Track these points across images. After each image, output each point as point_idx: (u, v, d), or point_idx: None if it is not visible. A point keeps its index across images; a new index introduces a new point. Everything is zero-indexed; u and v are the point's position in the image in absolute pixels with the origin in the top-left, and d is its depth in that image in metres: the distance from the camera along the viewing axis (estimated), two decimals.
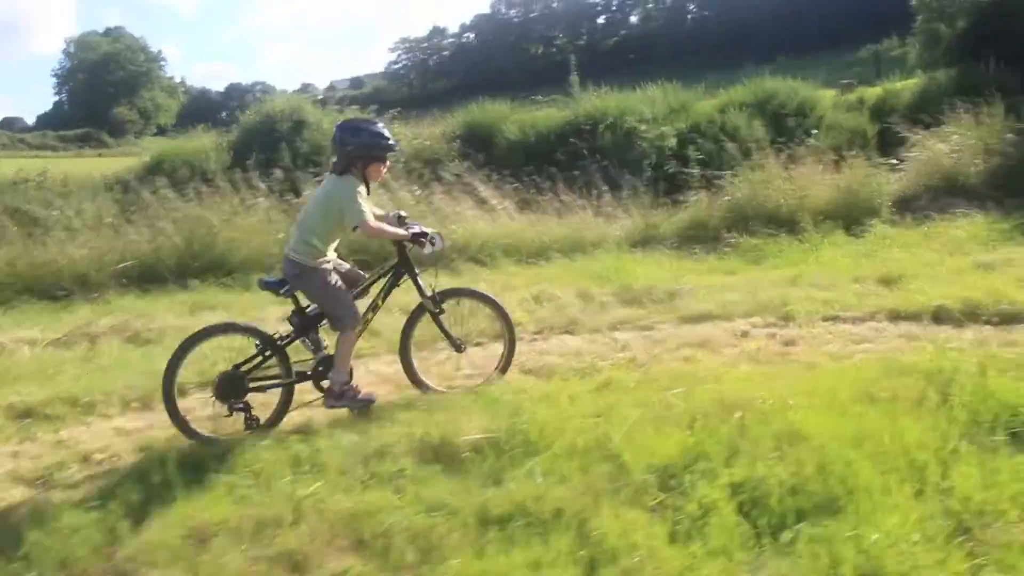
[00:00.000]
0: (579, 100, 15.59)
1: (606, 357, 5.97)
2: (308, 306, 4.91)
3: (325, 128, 14.56)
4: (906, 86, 16.35)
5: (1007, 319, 6.21)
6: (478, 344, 5.85)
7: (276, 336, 4.86)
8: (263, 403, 4.82)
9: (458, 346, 5.25)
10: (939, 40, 20.46)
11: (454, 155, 14.15)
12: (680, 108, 15.31)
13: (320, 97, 19.70)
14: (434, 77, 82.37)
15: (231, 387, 4.71)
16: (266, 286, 4.95)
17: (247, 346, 4.85)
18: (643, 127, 14.57)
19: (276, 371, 4.83)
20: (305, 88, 71.71)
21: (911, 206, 10.09)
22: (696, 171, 10.56)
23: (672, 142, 14.24)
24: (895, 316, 6.48)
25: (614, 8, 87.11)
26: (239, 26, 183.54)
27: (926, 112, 12.70)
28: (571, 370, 5.64)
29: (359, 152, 4.79)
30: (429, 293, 5.10)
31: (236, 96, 74.58)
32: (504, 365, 5.31)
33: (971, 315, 6.32)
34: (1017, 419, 4.25)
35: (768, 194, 9.67)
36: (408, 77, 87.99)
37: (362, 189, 4.77)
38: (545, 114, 16.01)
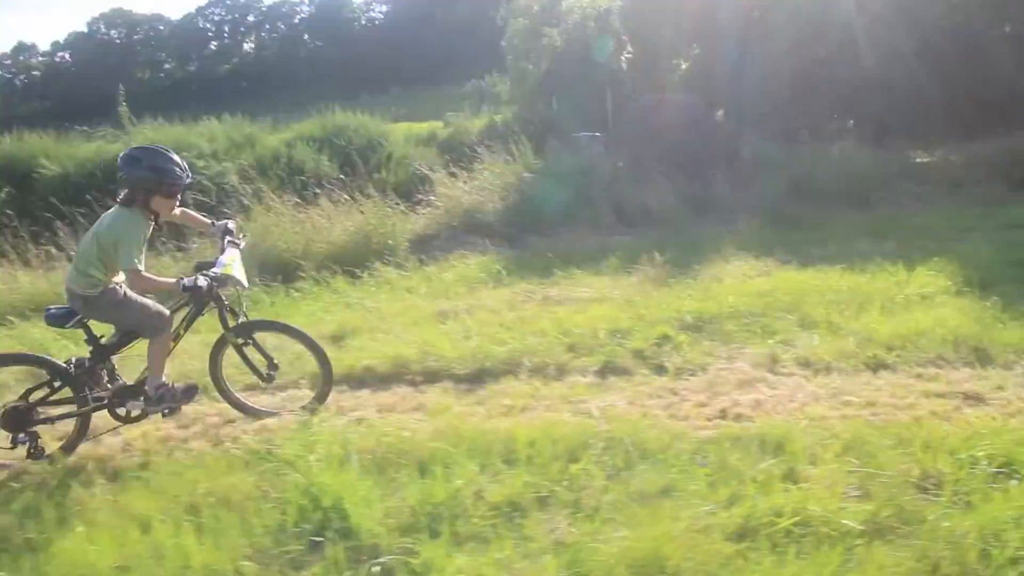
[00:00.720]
0: (132, 133, 14.13)
1: None
2: (102, 335, 4.70)
3: None
4: (474, 124, 16.93)
5: (430, 377, 5.95)
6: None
7: (70, 364, 4.67)
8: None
9: (264, 377, 5.19)
10: (527, 79, 21.73)
11: None
12: (245, 142, 14.45)
13: None
14: (22, 99, 72.82)
15: (18, 418, 4.55)
16: (51, 319, 4.65)
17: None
18: (201, 163, 13.54)
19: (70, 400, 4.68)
20: None
21: (429, 246, 9.98)
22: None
23: (234, 179, 13.34)
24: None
25: (226, 36, 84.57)
26: None
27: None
28: None
29: (138, 184, 4.48)
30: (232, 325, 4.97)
31: None
32: (321, 394, 5.27)
33: (397, 375, 5.99)
34: (330, 521, 3.79)
35: (274, 240, 8.97)
36: None
37: (144, 227, 4.53)
38: (94, 147, 14.33)
